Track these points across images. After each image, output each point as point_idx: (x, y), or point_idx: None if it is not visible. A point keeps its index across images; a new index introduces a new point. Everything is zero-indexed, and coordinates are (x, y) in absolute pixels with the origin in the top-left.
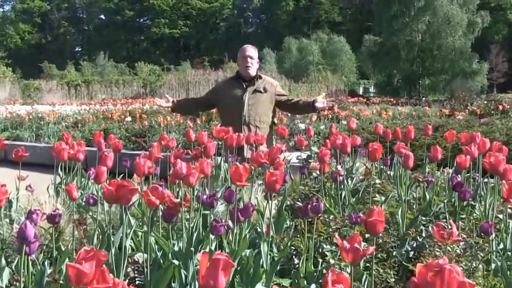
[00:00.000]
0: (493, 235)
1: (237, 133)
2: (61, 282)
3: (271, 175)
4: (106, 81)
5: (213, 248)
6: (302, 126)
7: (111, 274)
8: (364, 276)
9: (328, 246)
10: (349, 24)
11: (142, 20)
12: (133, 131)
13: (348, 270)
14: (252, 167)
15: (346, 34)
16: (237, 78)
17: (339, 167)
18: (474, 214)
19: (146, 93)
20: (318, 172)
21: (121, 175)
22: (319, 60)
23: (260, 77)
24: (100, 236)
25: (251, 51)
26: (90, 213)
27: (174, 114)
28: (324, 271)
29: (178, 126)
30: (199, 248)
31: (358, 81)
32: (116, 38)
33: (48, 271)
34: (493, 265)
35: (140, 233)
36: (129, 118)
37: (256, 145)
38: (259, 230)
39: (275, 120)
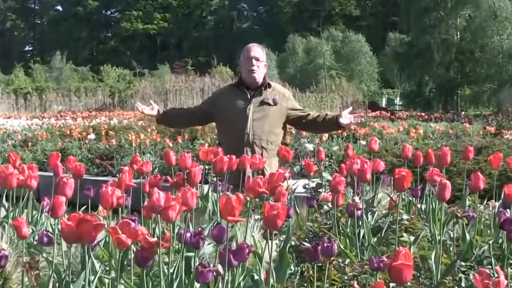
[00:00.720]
0: None
1: (234, 156)
2: None
3: (272, 208)
4: (64, 88)
5: None
6: (310, 146)
7: None
8: None
9: None
10: (370, 19)
11: (109, 12)
12: (97, 152)
13: None
14: (248, 198)
15: (365, 32)
16: (240, 85)
17: (356, 198)
18: None
19: (113, 104)
20: (330, 204)
21: (83, 207)
22: (331, 64)
23: (269, 86)
24: (57, 284)
25: (257, 51)
26: (44, 255)
27: (149, 129)
28: None
29: (154, 146)
30: None
31: (380, 91)
32: (76, 35)
33: None
34: None
35: (107, 280)
36: (92, 136)
37: (254, 170)
38: (256, 277)
39: (287, 140)
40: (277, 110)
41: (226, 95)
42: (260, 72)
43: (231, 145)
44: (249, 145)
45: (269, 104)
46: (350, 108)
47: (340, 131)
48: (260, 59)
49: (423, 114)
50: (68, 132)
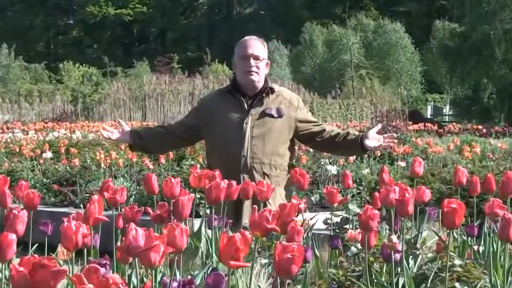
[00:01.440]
0: None
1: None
2: None
3: (284, 249)
4: (12, 92)
5: None
6: (333, 169)
7: None
8: None
9: None
10: (411, 3)
11: None
12: (55, 176)
13: None
14: (253, 237)
15: (405, 19)
16: (233, 91)
17: (394, 238)
18: None
19: (76, 112)
20: (359, 245)
21: (37, 247)
22: (360, 61)
23: (272, 90)
24: None
25: (256, 46)
26: None
27: (124, 146)
28: None
29: (129, 168)
30: None
31: (424, 96)
32: (28, 22)
33: None
34: None
35: None
36: (49, 154)
37: (261, 200)
38: None
39: (301, 161)
40: (282, 124)
41: (216, 104)
42: (260, 74)
43: (223, 171)
44: (246, 171)
45: (272, 116)
46: (379, 126)
47: (364, 154)
48: (260, 57)
49: (480, 127)
50: (17, 150)
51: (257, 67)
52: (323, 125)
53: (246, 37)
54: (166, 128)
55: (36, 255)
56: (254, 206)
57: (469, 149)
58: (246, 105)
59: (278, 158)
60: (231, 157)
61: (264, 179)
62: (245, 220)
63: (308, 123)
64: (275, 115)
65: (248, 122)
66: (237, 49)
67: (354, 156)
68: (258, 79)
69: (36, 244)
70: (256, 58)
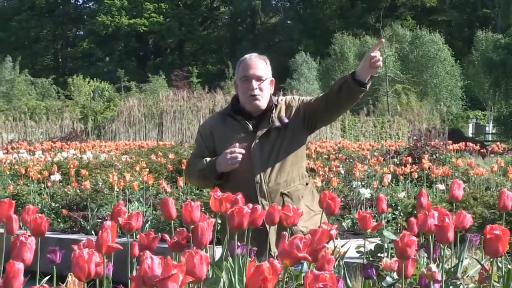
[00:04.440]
0: None
1: (256, 207)
2: None
3: (316, 279)
4: (16, 109)
5: None
6: (366, 192)
7: None
8: None
9: None
10: (450, 12)
11: (80, 2)
12: (64, 200)
13: None
14: (282, 265)
15: (444, 30)
16: (234, 114)
17: (433, 266)
18: None
19: (87, 131)
20: (395, 275)
21: (47, 278)
22: (396, 75)
23: (276, 107)
24: None
25: (257, 66)
26: None
27: (138, 168)
28: None
29: (144, 191)
30: None
31: (465, 113)
32: (34, 33)
33: None
34: None
35: None
36: (57, 176)
37: (287, 226)
38: None
39: (307, 164)
40: (289, 132)
41: (218, 130)
42: (264, 96)
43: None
44: (264, 196)
45: (277, 128)
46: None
47: (362, 88)
48: (263, 77)
49: None
50: (23, 172)
51: (261, 89)
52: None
53: (246, 56)
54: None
55: (45, 285)
56: (284, 232)
57: None
58: (250, 127)
59: (294, 171)
60: (245, 186)
61: (282, 200)
62: (274, 250)
63: (309, 102)
64: (280, 127)
65: (256, 147)
66: (238, 70)
67: (390, 178)
68: (263, 102)
69: (46, 275)
70: (259, 79)
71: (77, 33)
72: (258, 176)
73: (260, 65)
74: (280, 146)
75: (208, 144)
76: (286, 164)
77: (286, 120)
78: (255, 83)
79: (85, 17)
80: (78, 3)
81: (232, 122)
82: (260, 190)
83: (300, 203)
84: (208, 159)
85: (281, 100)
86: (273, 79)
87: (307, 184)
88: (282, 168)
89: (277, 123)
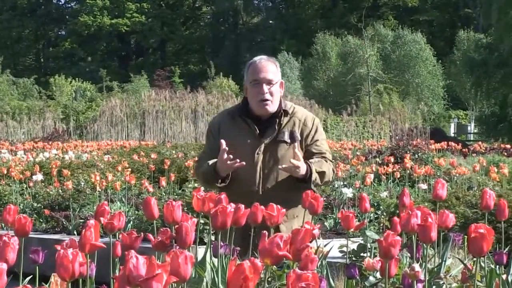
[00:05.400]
0: None
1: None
2: None
3: (298, 279)
4: None
5: None
6: (348, 192)
7: None
8: None
9: None
10: (432, 12)
11: (62, 2)
12: (46, 200)
13: None
14: (264, 265)
15: (426, 30)
16: (244, 115)
17: (416, 266)
18: None
19: (69, 131)
20: (378, 275)
21: (29, 278)
22: (378, 75)
23: (286, 112)
24: None
25: (268, 69)
26: None
27: (121, 167)
28: None
29: (127, 191)
30: None
31: (447, 113)
32: (16, 33)
33: None
34: None
35: None
36: (39, 176)
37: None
38: None
39: None
40: (297, 149)
41: (226, 128)
42: (274, 100)
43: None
44: (260, 203)
45: (286, 142)
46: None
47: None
48: (273, 81)
49: (508, 146)
50: (5, 172)
51: (271, 93)
52: (322, 157)
53: (255, 59)
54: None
55: (28, 286)
56: (264, 231)
57: (496, 170)
58: (257, 131)
59: (294, 187)
60: (242, 191)
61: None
62: None
63: (312, 151)
64: (288, 141)
65: (260, 152)
66: (247, 73)
67: (372, 177)
68: (273, 107)
69: (28, 275)
70: (269, 82)
71: (59, 33)
72: (257, 184)
73: (270, 68)
74: (283, 159)
75: (217, 140)
76: (286, 181)
77: (299, 138)
78: (265, 87)
79: (67, 17)
80: (60, 3)
81: (240, 123)
82: (256, 199)
83: (293, 221)
84: (211, 162)
85: (296, 110)
86: (283, 81)
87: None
88: (281, 182)
89: (286, 138)
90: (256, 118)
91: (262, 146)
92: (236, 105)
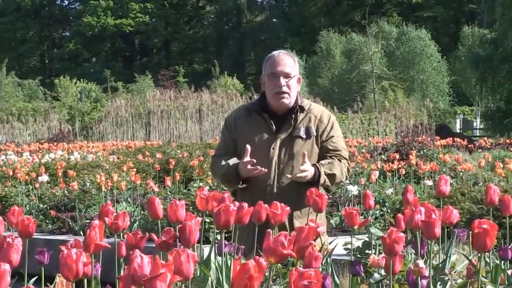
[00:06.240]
0: None
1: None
2: None
3: (301, 276)
4: (4, 110)
5: None
6: (353, 189)
7: None
8: None
9: None
10: (437, 8)
11: (66, 3)
12: (52, 201)
13: None
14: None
15: (430, 26)
16: (260, 111)
17: (420, 262)
18: None
19: (74, 132)
20: (383, 272)
21: (34, 279)
22: (382, 72)
23: (302, 109)
24: None
25: (286, 63)
26: None
27: (126, 168)
28: None
29: (132, 191)
30: None
31: (452, 109)
32: (20, 35)
33: None
34: None
35: None
36: (45, 177)
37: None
38: None
39: None
40: (312, 145)
41: (243, 123)
42: (292, 94)
43: (249, 202)
44: (274, 198)
45: (301, 138)
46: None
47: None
48: (291, 74)
49: None
50: (11, 173)
51: (288, 87)
52: (338, 154)
53: (274, 52)
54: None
55: (32, 287)
56: (268, 230)
57: (501, 165)
58: (274, 127)
59: (308, 184)
60: (257, 187)
61: (293, 207)
62: None
63: (328, 148)
64: (304, 136)
65: (276, 147)
66: (265, 66)
67: (377, 174)
68: (290, 101)
69: (34, 276)
70: (287, 76)
71: (63, 34)
72: (271, 176)
73: (288, 62)
74: (298, 155)
75: (232, 135)
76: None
77: (314, 133)
78: (283, 80)
79: (71, 18)
80: (64, 4)
81: (257, 119)
82: (270, 193)
83: (307, 218)
84: (231, 162)
85: (312, 107)
86: (300, 76)
87: None
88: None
89: (302, 133)
90: (273, 114)
91: (278, 141)
92: (253, 101)
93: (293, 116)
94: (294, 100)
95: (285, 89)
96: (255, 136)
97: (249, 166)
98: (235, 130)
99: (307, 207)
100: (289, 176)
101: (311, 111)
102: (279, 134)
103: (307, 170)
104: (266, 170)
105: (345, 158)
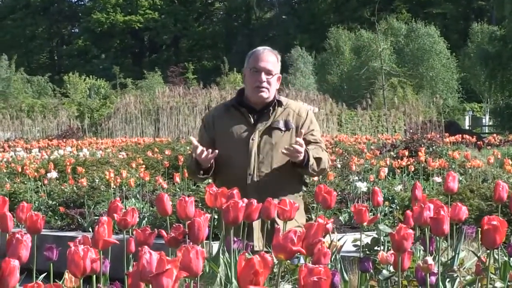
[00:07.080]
0: None
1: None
2: None
3: (310, 273)
4: (13, 107)
5: None
6: (362, 186)
7: None
8: None
9: None
10: (446, 5)
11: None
12: (61, 197)
13: None
14: (275, 260)
15: (439, 22)
16: (238, 105)
17: (429, 259)
18: None
19: (83, 128)
20: (392, 268)
21: (43, 275)
22: (391, 69)
23: (280, 103)
24: None
25: (268, 59)
26: None
27: (135, 164)
28: None
29: (141, 187)
30: None
31: (461, 106)
32: (29, 31)
33: None
34: None
35: None
36: (54, 174)
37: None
38: None
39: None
40: (291, 137)
41: (221, 119)
42: (271, 90)
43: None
44: (254, 190)
45: (280, 129)
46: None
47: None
48: (272, 72)
49: None
50: (20, 170)
51: (269, 83)
52: (316, 146)
53: (259, 48)
54: None
55: (40, 283)
56: (278, 226)
57: (510, 162)
58: (252, 120)
59: (289, 174)
60: (237, 177)
61: (273, 199)
62: (257, 243)
63: (307, 142)
64: (283, 128)
65: (255, 138)
66: (248, 60)
67: (386, 171)
68: (268, 95)
69: (43, 273)
70: (268, 73)
71: (72, 30)
72: (252, 168)
73: (271, 59)
74: (277, 146)
75: (209, 133)
76: (281, 169)
77: (292, 126)
78: (264, 76)
79: (80, 14)
80: (73, 0)
81: (235, 113)
82: (250, 183)
83: None
84: (194, 154)
85: (290, 103)
86: (280, 75)
87: (297, 196)
88: (276, 168)
89: (281, 126)
90: (251, 108)
91: (257, 132)
92: (232, 98)
93: (271, 109)
94: (272, 96)
95: (265, 84)
96: (234, 129)
97: (202, 156)
98: (213, 127)
99: (287, 196)
100: (285, 149)
101: (289, 106)
102: (257, 125)
103: (303, 145)
104: (216, 151)
105: (325, 150)
